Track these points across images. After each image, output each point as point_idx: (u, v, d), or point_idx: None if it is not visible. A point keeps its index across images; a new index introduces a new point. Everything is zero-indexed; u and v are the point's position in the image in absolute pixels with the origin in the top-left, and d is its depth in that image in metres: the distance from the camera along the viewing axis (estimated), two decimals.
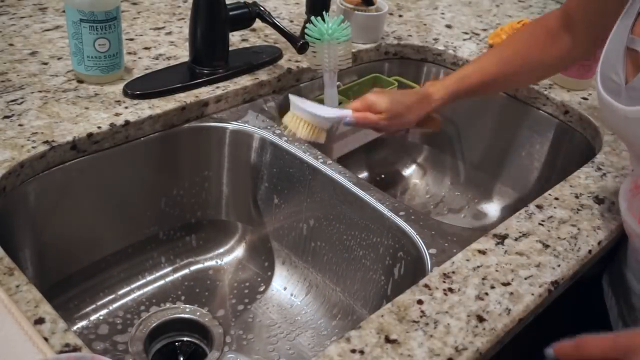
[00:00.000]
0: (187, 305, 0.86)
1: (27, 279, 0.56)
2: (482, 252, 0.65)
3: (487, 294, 0.60)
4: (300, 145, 0.84)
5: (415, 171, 1.16)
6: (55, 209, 0.76)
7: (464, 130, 1.11)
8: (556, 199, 0.75)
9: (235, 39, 1.00)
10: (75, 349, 0.50)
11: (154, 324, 0.83)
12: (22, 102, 0.79)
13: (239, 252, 0.94)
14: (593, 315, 0.82)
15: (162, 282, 0.89)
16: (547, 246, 0.67)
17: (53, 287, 0.79)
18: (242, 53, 0.97)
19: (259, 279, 0.91)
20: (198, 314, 0.85)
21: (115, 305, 0.84)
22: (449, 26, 1.16)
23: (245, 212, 0.93)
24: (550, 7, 1.32)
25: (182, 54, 0.94)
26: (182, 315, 0.85)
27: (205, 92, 0.86)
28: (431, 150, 1.16)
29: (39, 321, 0.52)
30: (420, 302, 0.59)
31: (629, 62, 0.64)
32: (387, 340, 0.54)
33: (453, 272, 0.62)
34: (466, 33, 1.14)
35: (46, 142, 0.73)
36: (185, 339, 0.83)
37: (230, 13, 0.89)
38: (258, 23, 0.92)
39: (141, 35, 0.99)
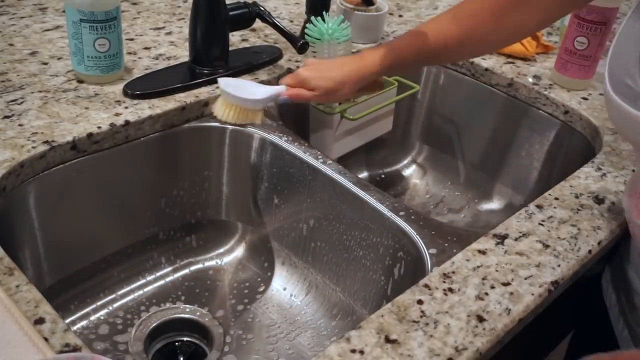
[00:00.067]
0: (187, 305, 0.86)
1: (27, 279, 0.56)
2: (482, 252, 0.65)
3: (487, 294, 0.60)
4: (300, 145, 0.84)
5: (415, 171, 1.16)
6: (55, 209, 0.76)
7: (464, 130, 1.11)
8: (556, 199, 0.75)
9: (235, 39, 1.00)
10: (75, 349, 0.50)
11: (154, 324, 0.83)
12: (22, 102, 0.79)
13: (239, 252, 0.94)
14: (593, 315, 0.82)
15: (162, 282, 0.89)
16: (547, 246, 0.67)
17: (53, 287, 0.79)
18: (242, 53, 0.97)
19: (259, 279, 0.91)
20: (198, 314, 0.85)
21: (115, 305, 0.84)
22: None
23: (245, 212, 0.93)
24: None
25: (182, 54, 0.94)
26: (182, 315, 0.85)
27: (205, 92, 0.86)
28: (431, 150, 1.16)
29: (39, 321, 0.52)
30: (420, 302, 0.59)
31: None
32: (387, 340, 0.54)
33: (453, 272, 0.62)
34: None
35: (46, 142, 0.73)
36: (185, 339, 0.83)
37: (230, 13, 0.89)
38: (258, 23, 0.92)
39: (141, 35, 0.99)
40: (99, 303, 0.84)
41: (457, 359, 0.54)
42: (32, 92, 0.81)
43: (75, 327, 0.80)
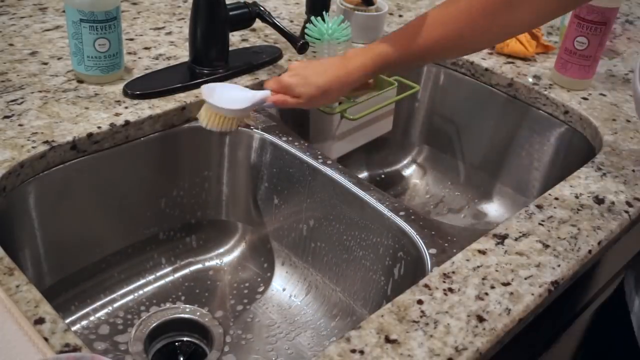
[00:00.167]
0: (187, 305, 0.86)
1: (27, 279, 0.56)
2: (482, 252, 0.65)
3: (487, 294, 0.60)
4: (300, 145, 0.84)
5: (415, 171, 1.16)
6: (55, 209, 0.76)
7: (464, 130, 1.11)
8: (556, 199, 0.75)
9: (235, 39, 1.00)
10: (75, 349, 0.50)
11: (154, 324, 0.83)
12: (22, 102, 0.79)
13: (239, 252, 0.94)
14: (613, 320, 0.81)
15: (162, 282, 0.89)
16: (547, 246, 0.67)
17: (53, 287, 0.79)
18: (242, 53, 0.97)
19: (259, 279, 0.91)
20: (198, 314, 0.85)
21: (115, 305, 0.84)
22: None
23: (245, 212, 0.93)
24: None
25: (182, 54, 0.94)
26: (182, 316, 0.85)
27: None
28: (431, 150, 1.16)
29: (39, 321, 0.52)
30: (420, 302, 0.59)
31: None
32: (387, 340, 0.54)
33: (453, 272, 0.62)
34: None
35: (46, 142, 0.73)
36: (185, 339, 0.83)
37: (230, 13, 0.89)
38: (258, 23, 0.92)
39: (141, 35, 0.99)
40: (99, 303, 0.84)
41: (457, 359, 0.54)
42: (32, 92, 0.81)
43: (75, 327, 0.80)
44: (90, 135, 0.75)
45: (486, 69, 1.04)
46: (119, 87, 0.84)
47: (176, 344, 0.83)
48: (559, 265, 0.65)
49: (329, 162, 0.82)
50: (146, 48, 0.95)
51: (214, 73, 0.89)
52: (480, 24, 0.74)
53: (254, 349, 0.82)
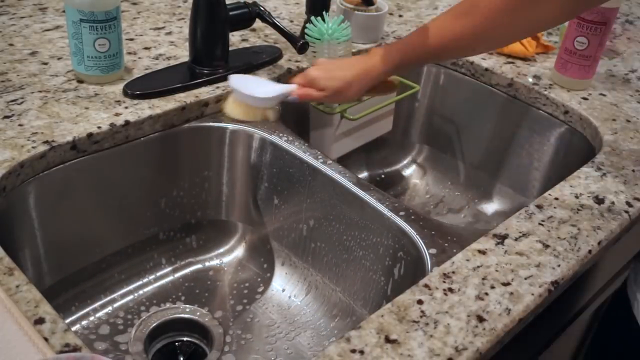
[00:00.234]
0: (187, 306, 0.86)
1: (27, 279, 0.56)
2: (482, 252, 0.65)
3: (487, 294, 0.60)
4: (300, 145, 0.84)
5: (415, 171, 1.16)
6: (55, 209, 0.76)
7: (464, 130, 1.11)
8: (556, 199, 0.75)
9: (235, 39, 1.00)
10: (75, 349, 0.50)
11: (154, 324, 0.83)
12: (22, 102, 0.79)
13: (239, 252, 0.94)
14: (616, 318, 0.81)
15: (162, 282, 0.89)
16: (547, 246, 0.67)
17: (53, 287, 0.79)
18: (242, 53, 0.97)
19: (259, 279, 0.91)
20: (198, 314, 0.85)
21: (115, 305, 0.84)
22: None
23: (245, 212, 0.93)
24: None
25: (182, 54, 0.94)
26: (182, 316, 0.85)
27: (205, 92, 0.86)
28: (431, 150, 1.16)
29: (39, 321, 0.52)
30: (420, 302, 0.59)
31: None
32: (387, 340, 0.54)
33: (453, 272, 0.62)
34: None
35: (46, 142, 0.73)
36: (185, 339, 0.83)
37: (230, 13, 0.89)
38: (258, 23, 0.92)
39: (141, 35, 0.99)
40: (99, 303, 0.84)
41: (457, 359, 0.54)
42: (32, 92, 0.81)
43: (75, 327, 0.80)
44: (90, 135, 0.75)
45: (486, 69, 1.04)
46: (119, 87, 0.84)
47: (176, 344, 0.83)
48: (559, 265, 0.65)
49: (329, 162, 0.82)
50: (146, 48, 0.95)
51: (214, 73, 0.89)
52: (503, 21, 0.73)
53: (253, 349, 0.82)
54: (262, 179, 0.89)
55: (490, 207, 1.08)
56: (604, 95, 0.98)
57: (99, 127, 0.76)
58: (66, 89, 0.83)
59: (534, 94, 0.99)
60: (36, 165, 0.72)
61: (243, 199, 0.92)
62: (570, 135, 0.96)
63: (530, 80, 1.01)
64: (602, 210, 0.73)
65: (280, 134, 0.85)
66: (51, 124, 0.76)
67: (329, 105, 0.93)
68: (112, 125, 0.77)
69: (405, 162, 1.17)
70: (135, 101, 0.82)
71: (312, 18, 0.89)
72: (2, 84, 0.82)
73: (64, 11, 1.00)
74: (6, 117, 0.76)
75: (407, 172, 1.16)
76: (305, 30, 0.90)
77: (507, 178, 1.07)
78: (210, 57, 0.89)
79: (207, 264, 0.92)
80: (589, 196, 0.75)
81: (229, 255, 0.94)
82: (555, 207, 0.73)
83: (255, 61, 0.94)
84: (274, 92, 0.79)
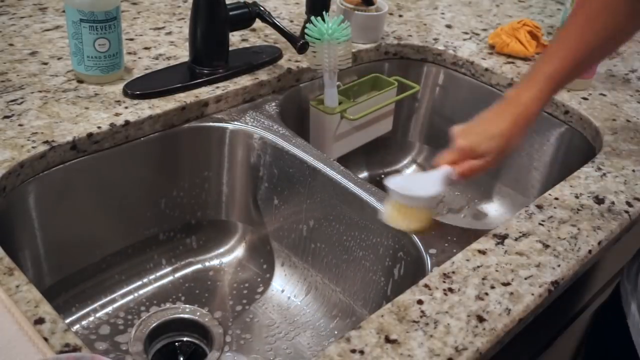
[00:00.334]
0: (187, 306, 0.86)
1: (27, 279, 0.56)
2: (482, 252, 0.65)
3: (487, 294, 0.60)
4: (300, 145, 0.84)
5: (415, 171, 1.16)
6: (55, 209, 0.76)
7: None
8: (556, 199, 0.75)
9: (235, 39, 1.00)
10: (75, 349, 0.50)
11: (154, 324, 0.83)
12: (22, 102, 0.79)
13: (239, 252, 0.94)
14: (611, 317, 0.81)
15: (162, 282, 0.89)
16: (547, 246, 0.67)
17: (53, 287, 0.79)
18: (242, 53, 0.97)
19: (259, 279, 0.91)
20: (198, 314, 0.85)
21: (115, 305, 0.84)
22: (449, 26, 1.16)
23: (245, 212, 0.93)
24: (551, 7, 1.32)
25: (182, 54, 0.94)
26: (182, 316, 0.85)
27: (205, 92, 0.86)
28: (431, 150, 1.16)
29: (39, 321, 0.52)
30: (420, 302, 0.59)
31: None
32: (387, 340, 0.54)
33: (453, 272, 0.62)
34: (466, 33, 1.14)
35: (46, 142, 0.73)
36: (185, 339, 0.83)
37: (230, 13, 0.89)
38: (258, 23, 0.92)
39: (141, 35, 0.99)
40: (99, 303, 0.84)
41: (457, 359, 0.54)
42: (32, 92, 0.81)
43: (75, 328, 0.80)
44: (90, 135, 0.75)
45: (486, 69, 1.04)
46: (119, 87, 0.84)
47: (176, 344, 0.83)
48: (559, 265, 0.65)
49: (329, 162, 0.82)
50: (146, 48, 0.95)
51: (214, 73, 0.89)
52: (628, 16, 0.68)
53: (253, 349, 0.82)
54: (262, 179, 0.89)
55: (490, 207, 1.08)
56: (604, 95, 0.98)
57: (99, 127, 0.76)
58: (66, 89, 0.83)
59: None
60: (36, 165, 0.72)
61: (243, 199, 0.92)
62: (571, 135, 0.96)
63: None
64: (602, 210, 0.73)
65: (280, 134, 0.85)
66: (51, 124, 0.76)
67: (329, 105, 0.94)
68: (112, 125, 0.77)
69: (405, 162, 1.17)
70: (135, 101, 0.82)
71: (312, 18, 0.89)
72: (2, 84, 0.82)
73: (64, 11, 1.00)
74: (6, 117, 0.76)
75: (407, 172, 1.16)
76: (305, 30, 0.90)
77: (507, 178, 1.07)
78: (210, 57, 0.89)
79: (207, 264, 0.92)
80: (589, 196, 0.75)
81: (228, 256, 0.94)
82: (555, 207, 0.73)
83: (255, 61, 0.94)
84: (437, 182, 0.68)
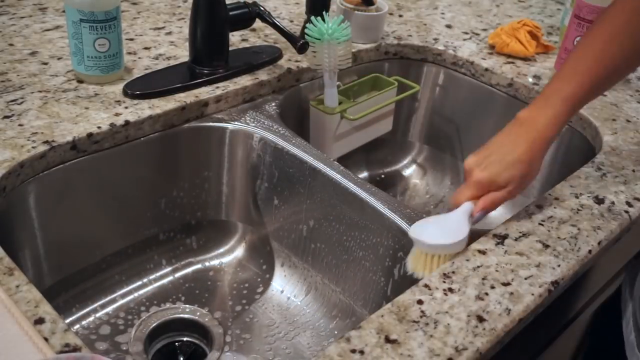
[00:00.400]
0: (187, 306, 0.86)
1: (27, 279, 0.56)
2: (482, 252, 0.65)
3: (487, 294, 0.60)
4: (300, 145, 0.84)
5: (415, 171, 1.16)
6: (55, 209, 0.76)
7: (464, 130, 1.11)
8: (556, 199, 0.75)
9: (235, 39, 1.00)
10: (75, 349, 0.50)
11: (154, 324, 0.83)
12: (22, 102, 0.79)
13: (239, 252, 0.94)
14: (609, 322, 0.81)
15: (162, 282, 0.89)
16: (547, 246, 0.67)
17: (53, 287, 0.79)
18: (242, 53, 0.97)
19: (259, 279, 0.91)
20: (198, 314, 0.85)
21: (115, 305, 0.84)
22: (449, 26, 1.16)
23: (245, 212, 0.93)
24: (551, 7, 1.32)
25: (182, 54, 0.94)
26: (182, 316, 0.85)
27: (205, 92, 0.86)
28: (431, 150, 1.16)
29: (39, 321, 0.52)
30: (420, 302, 0.59)
31: None
32: (387, 340, 0.54)
33: (453, 272, 0.62)
34: (466, 33, 1.14)
35: (46, 142, 0.73)
36: (185, 339, 0.83)
37: (230, 13, 0.89)
38: (258, 23, 0.92)
39: (141, 35, 0.99)
40: (99, 303, 0.84)
41: (457, 359, 0.54)
42: (32, 92, 0.81)
43: (75, 328, 0.80)
44: (90, 135, 0.75)
45: (486, 69, 1.04)
46: (119, 87, 0.84)
47: (176, 344, 0.83)
48: (559, 265, 0.65)
49: (329, 162, 0.82)
50: (146, 48, 0.95)
51: (214, 73, 0.89)
52: None
53: (253, 349, 0.82)
54: (262, 179, 0.89)
55: None
56: (604, 95, 0.98)
57: (99, 127, 0.76)
58: (66, 89, 0.83)
59: (534, 94, 0.99)
60: (36, 165, 0.72)
61: (243, 199, 0.92)
62: (570, 135, 0.96)
63: (530, 80, 1.01)
64: (602, 210, 0.73)
65: (280, 134, 0.85)
66: (51, 124, 0.76)
67: (329, 105, 0.93)
68: (112, 125, 0.77)
69: (405, 162, 1.17)
70: (135, 101, 0.82)
71: (312, 18, 0.89)
72: (2, 84, 0.82)
73: (64, 11, 1.00)
74: (6, 117, 0.76)
75: (407, 172, 1.16)
76: (305, 30, 0.90)
77: None
78: (210, 57, 0.89)
79: (207, 264, 0.92)
80: (589, 196, 0.75)
81: (228, 256, 0.94)
82: (555, 207, 0.73)
83: (255, 61, 0.94)
84: (463, 224, 0.65)
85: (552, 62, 1.04)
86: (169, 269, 0.90)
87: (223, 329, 0.83)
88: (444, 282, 0.61)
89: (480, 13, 1.24)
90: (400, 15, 1.19)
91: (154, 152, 0.83)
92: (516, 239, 0.68)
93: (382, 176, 1.14)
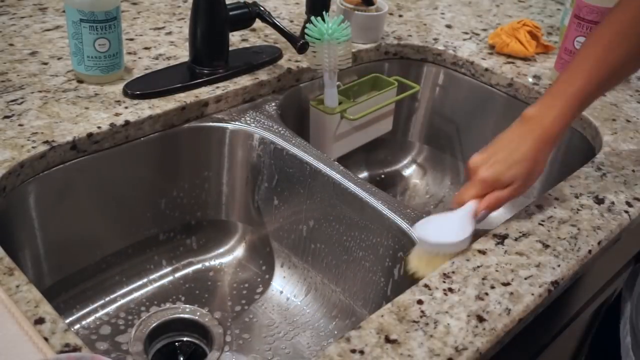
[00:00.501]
0: (187, 306, 0.86)
1: (27, 279, 0.56)
2: (482, 252, 0.65)
3: (487, 294, 0.60)
4: (300, 145, 0.84)
5: (415, 171, 1.16)
6: (55, 209, 0.76)
7: (464, 130, 1.11)
8: (556, 199, 0.75)
9: (235, 39, 1.00)
10: (75, 349, 0.50)
11: (154, 324, 0.83)
12: (22, 102, 0.79)
13: (239, 252, 0.94)
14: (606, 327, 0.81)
15: (162, 282, 0.89)
16: (547, 246, 0.67)
17: (53, 287, 0.79)
18: (242, 53, 0.97)
19: (259, 280, 0.91)
20: (198, 314, 0.85)
21: (115, 305, 0.84)
22: (449, 26, 1.16)
23: (245, 212, 0.93)
24: (551, 7, 1.32)
25: (182, 54, 0.94)
26: (182, 316, 0.85)
27: (205, 92, 0.86)
28: (431, 150, 1.16)
29: (39, 321, 0.52)
30: (420, 302, 0.59)
31: None
32: (387, 340, 0.54)
33: (453, 272, 0.62)
34: (466, 33, 1.14)
35: (46, 142, 0.73)
36: (185, 339, 0.83)
37: (230, 13, 0.89)
38: (258, 23, 0.92)
39: (141, 35, 0.99)
40: (99, 303, 0.84)
41: (457, 359, 0.54)
42: (32, 92, 0.81)
43: (75, 328, 0.80)
44: (90, 135, 0.75)
45: (486, 69, 1.04)
46: (119, 87, 0.84)
47: (176, 344, 0.83)
48: (559, 265, 0.65)
49: (329, 162, 0.82)
50: (146, 48, 0.95)
51: (214, 73, 0.89)
52: None
53: (253, 349, 0.82)
54: (262, 179, 0.89)
55: None
56: (604, 95, 0.98)
57: (99, 127, 0.76)
58: (66, 89, 0.83)
59: (534, 94, 0.99)
60: (36, 165, 0.72)
61: (243, 199, 0.92)
62: (570, 135, 0.96)
63: (530, 80, 1.01)
64: (602, 210, 0.73)
65: (280, 134, 0.85)
66: (51, 124, 0.76)
67: (329, 105, 0.94)
68: (112, 125, 0.77)
69: (405, 162, 1.17)
70: (135, 101, 0.82)
71: (312, 18, 0.89)
72: (2, 84, 0.82)
73: (64, 11, 1.00)
74: (6, 117, 0.76)
75: (407, 172, 1.16)
76: (305, 30, 0.90)
77: None
78: (210, 57, 0.89)
79: (207, 264, 0.92)
80: (588, 196, 0.75)
81: (228, 256, 0.94)
82: (555, 207, 0.73)
83: (255, 61, 0.94)
84: (468, 223, 0.65)
85: (552, 62, 1.04)
86: (169, 269, 0.90)
87: (223, 329, 0.83)
88: (444, 282, 0.61)
89: (480, 13, 1.24)
90: (400, 15, 1.19)
91: (154, 152, 0.83)
92: (516, 239, 0.68)
93: (382, 176, 1.14)
